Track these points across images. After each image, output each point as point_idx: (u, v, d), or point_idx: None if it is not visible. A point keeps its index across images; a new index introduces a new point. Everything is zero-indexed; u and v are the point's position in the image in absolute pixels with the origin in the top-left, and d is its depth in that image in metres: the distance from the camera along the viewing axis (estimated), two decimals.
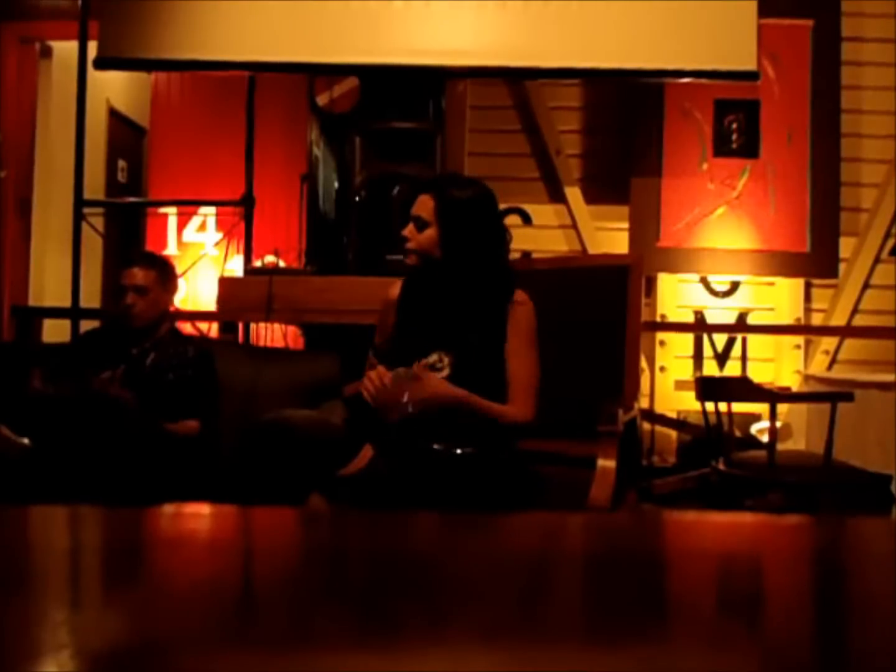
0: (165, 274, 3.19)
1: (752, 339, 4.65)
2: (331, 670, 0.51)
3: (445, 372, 2.17)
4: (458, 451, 2.13)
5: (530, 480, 2.19)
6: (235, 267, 4.61)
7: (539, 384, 2.22)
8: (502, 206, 4.65)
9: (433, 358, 2.18)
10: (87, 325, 3.95)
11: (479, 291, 2.22)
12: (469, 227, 2.21)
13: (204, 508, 1.26)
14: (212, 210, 5.09)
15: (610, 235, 4.67)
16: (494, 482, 2.11)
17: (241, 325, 4.16)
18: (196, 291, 5.04)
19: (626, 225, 4.66)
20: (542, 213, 4.68)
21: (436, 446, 2.13)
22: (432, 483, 2.08)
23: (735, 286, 4.68)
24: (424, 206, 2.22)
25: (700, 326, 4.67)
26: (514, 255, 2.51)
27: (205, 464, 2.90)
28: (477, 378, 2.17)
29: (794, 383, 4.55)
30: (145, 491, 2.61)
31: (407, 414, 2.10)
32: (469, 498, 2.06)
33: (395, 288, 2.35)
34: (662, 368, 4.64)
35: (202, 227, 5.23)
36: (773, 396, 3.34)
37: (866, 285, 4.65)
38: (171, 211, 5.20)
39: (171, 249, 5.19)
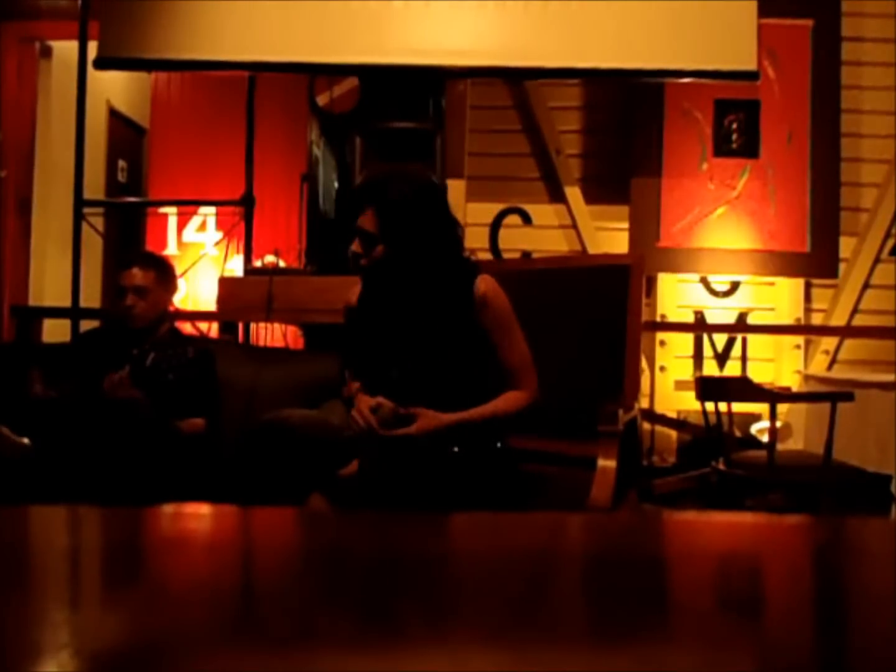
0: (165, 274, 3.19)
1: (752, 339, 4.66)
2: (331, 670, 0.51)
3: (414, 368, 2.16)
4: (455, 449, 2.13)
5: (527, 480, 2.19)
6: (235, 267, 4.61)
7: (533, 361, 2.20)
8: (502, 206, 4.70)
9: (400, 357, 2.16)
10: (87, 325, 3.95)
11: (432, 291, 2.17)
12: (411, 232, 2.14)
13: (204, 508, 1.26)
14: (212, 210, 5.09)
15: (610, 235, 4.68)
16: (489, 481, 2.11)
17: (241, 325, 4.16)
18: (196, 291, 5.04)
19: (626, 225, 4.67)
20: (542, 213, 4.68)
21: (435, 446, 2.13)
22: (430, 482, 2.08)
23: (735, 286, 4.68)
24: (368, 220, 2.15)
25: (700, 326, 4.68)
26: (514, 255, 2.50)
27: (206, 464, 2.90)
28: (446, 372, 2.15)
29: (794, 383, 4.55)
30: (148, 491, 2.61)
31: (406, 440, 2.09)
32: (464, 496, 2.06)
33: (353, 295, 2.30)
34: (662, 368, 4.64)
35: (202, 227, 5.23)
36: (773, 396, 3.34)
37: (866, 285, 4.66)
38: (171, 211, 5.20)
39: (171, 249, 5.19)
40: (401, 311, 2.20)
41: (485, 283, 2.18)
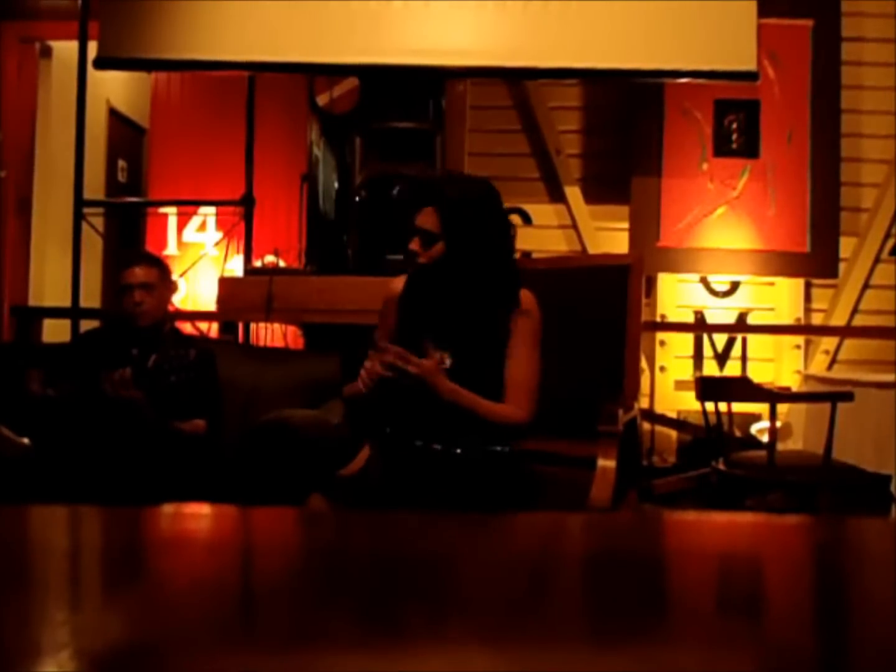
0: (165, 272, 3.20)
1: (752, 339, 4.66)
2: (331, 670, 0.51)
3: (446, 366, 2.17)
4: (457, 450, 2.13)
5: (529, 480, 2.19)
6: (235, 267, 4.61)
7: (538, 388, 2.20)
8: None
9: (435, 356, 2.17)
10: (87, 325, 3.95)
11: (484, 292, 2.21)
12: (474, 232, 2.18)
13: (204, 508, 1.26)
14: (212, 210, 5.09)
15: (610, 235, 4.68)
16: (493, 482, 2.11)
17: (241, 325, 4.16)
18: (196, 291, 5.04)
19: (626, 225, 4.67)
20: (542, 213, 4.68)
21: (435, 446, 2.13)
22: (431, 483, 2.08)
23: (735, 286, 4.68)
24: (429, 218, 2.18)
25: (700, 326, 4.68)
26: (514, 255, 2.50)
27: (206, 464, 2.90)
28: (477, 378, 2.17)
29: (794, 383, 4.55)
30: (150, 491, 2.61)
31: (405, 383, 2.07)
32: (468, 497, 2.06)
33: (397, 284, 2.33)
34: (662, 368, 4.64)
35: (202, 227, 5.23)
36: (773, 396, 3.34)
37: (866, 285, 4.66)
38: (171, 211, 5.20)
39: (171, 249, 5.19)
40: (449, 309, 2.21)
41: (526, 297, 2.22)
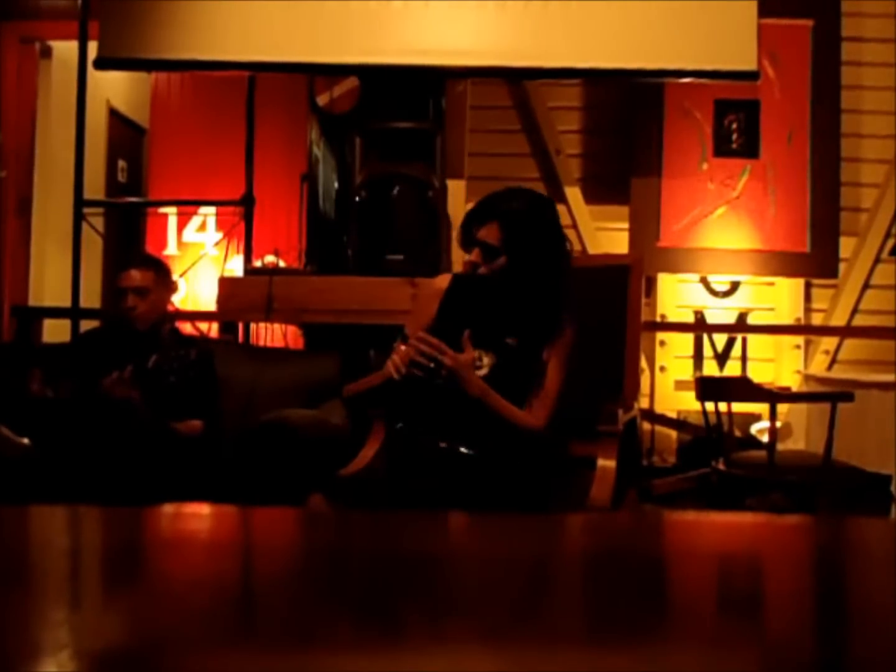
0: (163, 274, 3.19)
1: (752, 339, 4.66)
2: (331, 670, 0.51)
3: (483, 371, 2.17)
4: (463, 450, 2.13)
5: (534, 482, 2.19)
6: (235, 267, 4.61)
7: (558, 400, 2.22)
8: None
9: (472, 353, 2.18)
10: (87, 325, 3.95)
11: (536, 302, 2.23)
12: (535, 248, 2.21)
13: (204, 508, 1.26)
14: (212, 210, 5.09)
15: (610, 235, 4.68)
16: (498, 483, 2.11)
17: (241, 325, 4.16)
18: (196, 291, 5.04)
19: (626, 225, 4.67)
20: None
21: (441, 444, 2.13)
22: (434, 481, 2.08)
23: (735, 286, 4.68)
24: (491, 232, 2.21)
25: (700, 326, 4.68)
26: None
27: (206, 464, 2.90)
28: (513, 384, 2.17)
29: (794, 383, 4.55)
30: (148, 491, 2.61)
31: (435, 376, 2.07)
32: (472, 497, 2.06)
33: (442, 281, 2.34)
34: (662, 368, 4.64)
35: (202, 227, 5.23)
36: (773, 396, 3.34)
37: (866, 285, 4.66)
38: (171, 211, 5.20)
39: (171, 249, 5.19)
40: (492, 316, 2.22)
41: (569, 320, 2.24)
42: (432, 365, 2.07)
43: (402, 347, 2.14)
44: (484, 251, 2.22)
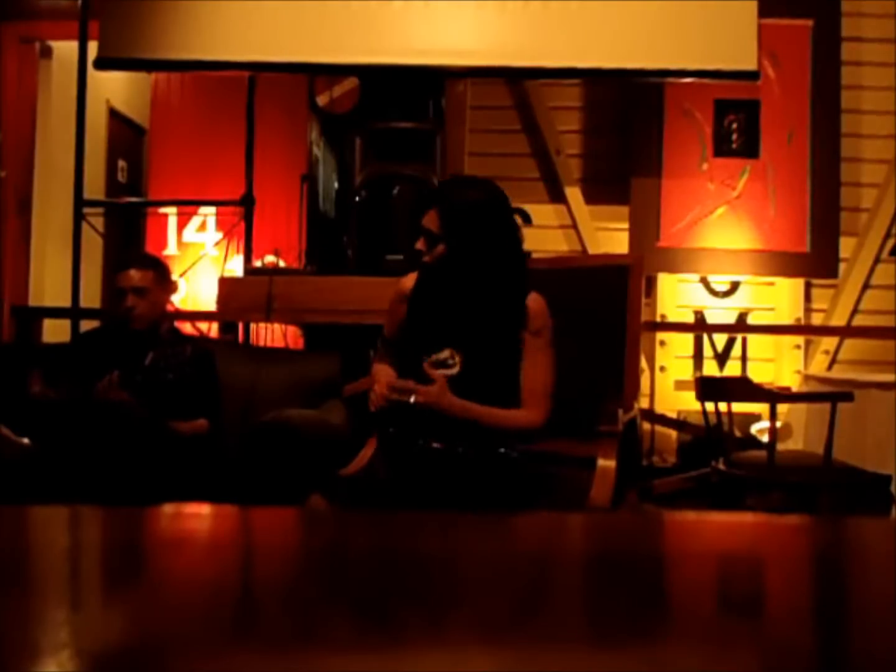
0: (162, 273, 3.18)
1: (752, 339, 4.66)
2: (331, 670, 0.51)
3: (456, 369, 2.17)
4: (459, 449, 2.13)
5: (532, 481, 2.19)
6: (235, 267, 4.61)
7: (553, 389, 2.22)
8: None
9: (444, 354, 2.18)
10: (87, 325, 3.95)
11: (492, 290, 2.23)
12: (475, 234, 2.21)
13: (204, 508, 1.26)
14: (212, 210, 5.09)
15: (610, 235, 4.68)
16: (494, 482, 2.11)
17: (241, 325, 4.16)
18: (196, 291, 5.04)
19: (626, 225, 4.67)
20: (542, 213, 4.68)
21: (435, 445, 2.13)
22: (432, 482, 2.08)
23: (735, 286, 4.68)
24: (432, 220, 2.23)
25: (700, 326, 4.68)
26: (523, 256, 2.51)
27: (206, 464, 2.90)
28: (487, 377, 2.18)
29: (794, 383, 4.55)
30: (148, 491, 2.61)
31: (413, 410, 2.10)
32: (469, 497, 2.06)
33: (408, 281, 2.35)
34: (662, 368, 4.64)
35: (202, 227, 5.23)
36: (773, 396, 3.34)
37: (866, 285, 4.66)
38: (171, 211, 5.20)
39: (171, 249, 5.19)
40: (454, 309, 2.22)
41: (534, 300, 2.23)
42: (411, 400, 2.09)
43: (375, 387, 2.17)
44: (426, 238, 2.23)
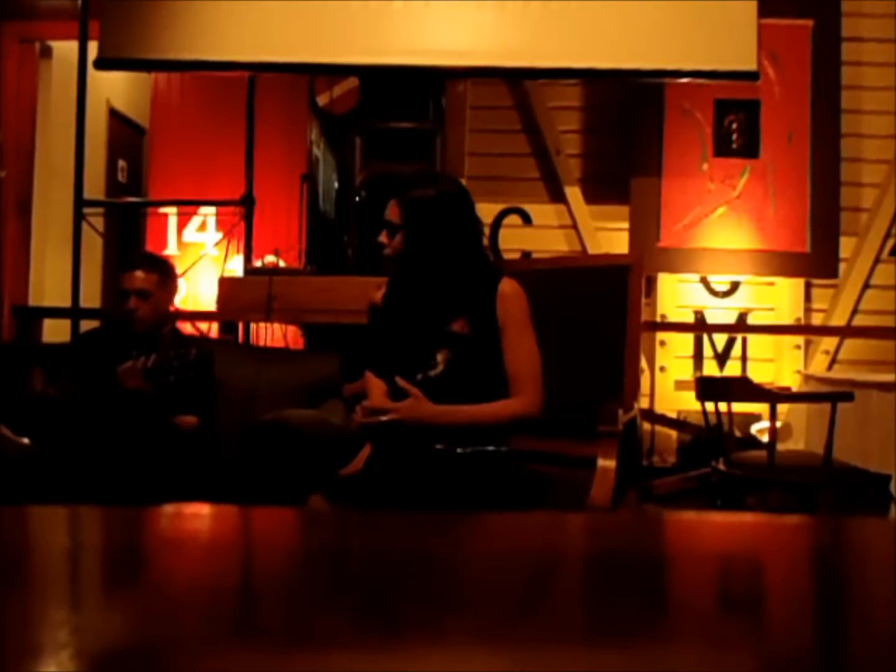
0: (166, 276, 3.18)
1: (752, 339, 4.66)
2: (331, 670, 0.51)
3: (439, 368, 2.17)
4: (459, 450, 2.13)
5: (531, 480, 2.19)
6: (235, 267, 4.61)
7: (541, 371, 2.20)
8: (502, 206, 4.72)
9: (426, 355, 2.18)
10: (87, 325, 3.95)
11: (454, 284, 2.21)
12: (432, 227, 2.22)
13: (204, 508, 1.26)
14: (212, 210, 5.09)
15: (610, 235, 4.68)
16: (495, 482, 2.11)
17: (241, 325, 4.16)
18: (196, 291, 5.04)
19: (626, 225, 4.67)
20: (542, 213, 4.68)
21: (437, 446, 2.13)
22: (432, 482, 2.08)
23: (735, 286, 4.68)
24: (392, 211, 2.26)
25: (700, 326, 4.68)
26: (514, 256, 2.51)
27: (203, 463, 2.90)
28: (471, 373, 2.17)
29: (794, 383, 4.55)
30: (148, 489, 2.61)
31: (392, 429, 2.11)
32: (469, 497, 2.06)
33: (378, 292, 2.35)
34: (662, 368, 4.64)
35: (202, 227, 5.23)
36: (773, 396, 3.34)
37: (866, 285, 4.66)
38: (171, 211, 5.20)
39: (171, 249, 5.19)
40: (421, 306, 2.22)
41: (507, 284, 2.22)
42: (384, 419, 2.10)
43: (356, 409, 2.17)
44: (388, 230, 2.26)
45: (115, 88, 5.68)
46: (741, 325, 4.67)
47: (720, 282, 4.68)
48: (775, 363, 4.64)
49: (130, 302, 3.03)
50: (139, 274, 3.07)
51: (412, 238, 2.21)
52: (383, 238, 2.26)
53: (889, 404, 3.29)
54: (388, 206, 2.27)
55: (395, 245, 2.23)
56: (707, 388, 3.33)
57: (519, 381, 2.17)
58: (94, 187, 5.04)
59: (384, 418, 2.08)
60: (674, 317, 4.66)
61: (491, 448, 2.16)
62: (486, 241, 2.34)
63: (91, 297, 4.98)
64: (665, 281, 4.66)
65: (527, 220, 4.70)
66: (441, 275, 2.21)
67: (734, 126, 4.65)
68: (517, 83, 4.70)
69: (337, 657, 0.53)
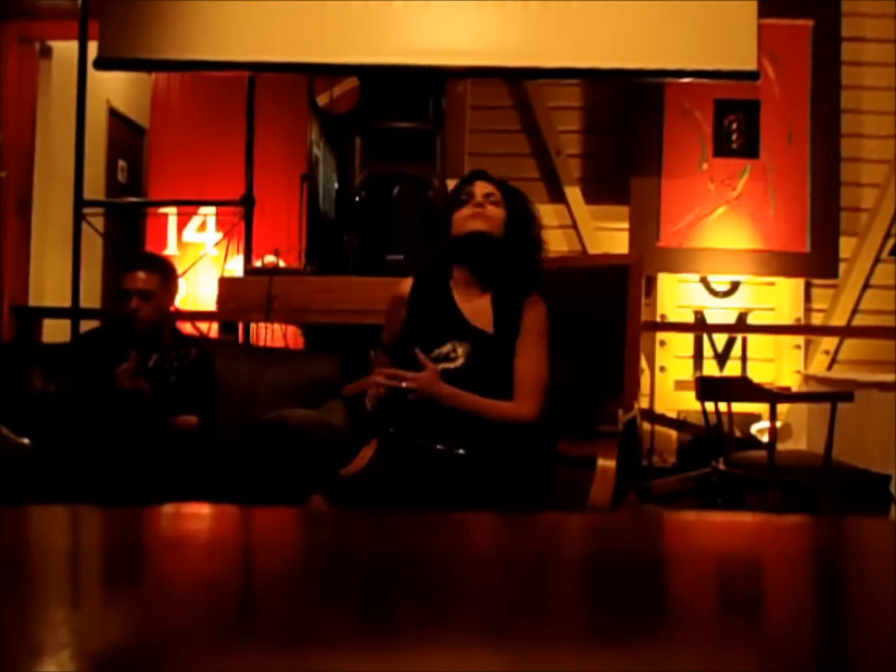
0: (167, 276, 3.17)
1: (752, 339, 4.66)
2: (331, 670, 0.51)
3: (460, 361, 2.17)
4: (461, 451, 2.13)
5: (531, 481, 2.19)
6: (235, 267, 4.61)
7: (547, 384, 2.21)
8: None
9: (447, 347, 2.18)
10: (87, 325, 3.95)
11: (510, 287, 2.25)
12: (526, 226, 2.29)
13: (204, 508, 1.26)
14: (212, 210, 5.09)
15: (610, 235, 4.68)
16: (494, 482, 2.11)
17: (241, 325, 4.16)
18: (196, 291, 5.04)
19: (626, 225, 4.67)
20: (543, 213, 4.64)
21: (439, 447, 2.13)
22: (433, 483, 2.08)
23: (735, 286, 4.68)
24: (493, 190, 2.29)
25: (700, 326, 4.68)
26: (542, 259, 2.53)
27: (203, 463, 2.90)
28: (490, 370, 2.18)
29: (794, 383, 4.55)
30: (148, 489, 2.61)
31: (405, 399, 2.10)
32: (468, 497, 2.06)
33: (405, 285, 2.35)
34: (662, 368, 4.64)
35: (202, 227, 5.23)
36: (773, 396, 3.34)
37: (866, 285, 4.66)
38: (171, 211, 5.20)
39: (171, 249, 5.19)
40: (457, 302, 2.23)
41: (534, 297, 2.27)
42: (402, 385, 2.09)
43: (371, 381, 2.17)
44: (487, 200, 2.30)
45: (115, 88, 5.68)
46: (741, 325, 4.67)
47: (720, 282, 4.68)
48: (775, 363, 4.64)
49: (132, 302, 3.02)
50: (141, 274, 3.05)
51: (514, 219, 2.27)
52: (483, 201, 2.24)
53: (889, 404, 3.29)
54: (480, 183, 2.29)
55: (495, 214, 2.25)
56: (707, 388, 3.33)
57: (523, 388, 2.19)
58: (94, 187, 5.04)
59: (403, 384, 2.08)
60: (674, 317, 4.66)
61: (492, 450, 2.16)
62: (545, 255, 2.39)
63: (91, 297, 4.98)
64: (665, 281, 4.66)
65: None
66: (515, 263, 2.25)
67: (734, 126, 4.65)
68: (517, 83, 4.70)
69: (337, 657, 0.53)
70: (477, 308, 2.24)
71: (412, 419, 2.15)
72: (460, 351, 2.19)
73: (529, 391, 2.19)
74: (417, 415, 2.13)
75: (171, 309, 3.48)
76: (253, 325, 4.12)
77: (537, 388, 2.20)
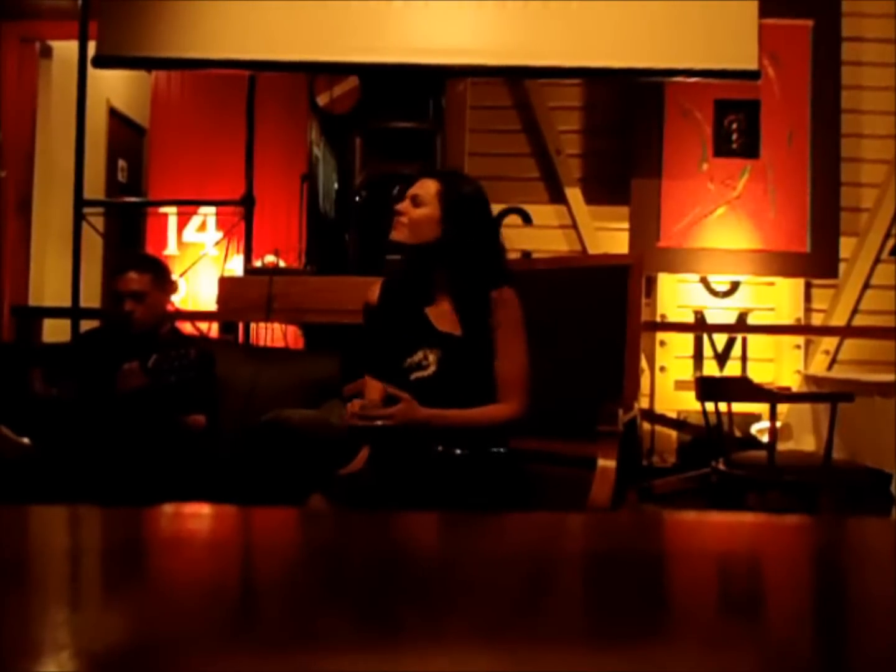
0: (161, 275, 3.15)
1: (752, 339, 4.66)
2: (330, 670, 0.51)
3: (431, 369, 2.16)
4: (458, 451, 2.13)
5: (528, 481, 2.19)
6: (235, 267, 4.61)
7: (528, 379, 2.18)
8: (502, 206, 4.72)
9: (418, 356, 2.16)
10: (87, 325, 3.95)
11: (467, 286, 2.19)
12: (469, 218, 2.19)
13: (204, 508, 1.26)
14: (212, 210, 5.09)
15: (610, 235, 4.68)
16: (493, 482, 2.11)
17: (241, 325, 4.16)
18: (196, 291, 5.04)
19: (626, 225, 4.67)
20: (542, 213, 4.68)
21: (437, 447, 2.13)
22: (432, 483, 2.08)
23: (735, 286, 4.68)
24: (426, 187, 2.19)
25: (700, 326, 4.68)
26: (514, 255, 2.50)
27: (205, 463, 2.90)
28: (463, 373, 2.15)
29: (794, 383, 4.55)
30: (149, 488, 2.61)
31: (385, 432, 2.08)
32: (468, 498, 2.06)
33: (373, 291, 2.31)
34: (662, 368, 4.64)
35: (202, 227, 5.23)
36: (773, 396, 3.34)
37: (866, 285, 4.66)
38: (171, 211, 5.20)
39: (171, 249, 5.19)
40: (423, 308, 2.20)
41: (501, 293, 2.19)
42: (378, 423, 2.06)
43: (348, 408, 2.13)
44: (412, 201, 2.21)
45: (115, 88, 5.68)
46: (741, 325, 4.67)
47: (720, 282, 4.68)
48: (775, 363, 4.64)
49: (126, 304, 3.01)
50: (132, 275, 3.04)
51: (448, 216, 2.16)
52: (404, 207, 2.18)
53: (889, 404, 3.29)
54: (419, 182, 2.21)
55: (417, 216, 2.16)
56: (707, 388, 3.33)
57: (505, 387, 2.16)
58: (94, 187, 5.04)
59: (378, 423, 2.06)
60: (674, 317, 4.66)
61: (490, 449, 2.16)
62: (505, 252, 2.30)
63: (91, 297, 4.98)
64: (665, 281, 4.66)
65: (527, 220, 4.70)
66: (459, 263, 2.18)
67: (734, 126, 4.65)
68: (517, 83, 4.70)
69: (337, 657, 0.53)
70: (442, 312, 2.20)
71: (386, 442, 2.13)
72: (431, 358, 2.16)
73: (512, 389, 2.16)
74: (392, 438, 2.11)
75: (170, 308, 3.48)
76: (253, 325, 4.12)
77: (519, 384, 2.17)
